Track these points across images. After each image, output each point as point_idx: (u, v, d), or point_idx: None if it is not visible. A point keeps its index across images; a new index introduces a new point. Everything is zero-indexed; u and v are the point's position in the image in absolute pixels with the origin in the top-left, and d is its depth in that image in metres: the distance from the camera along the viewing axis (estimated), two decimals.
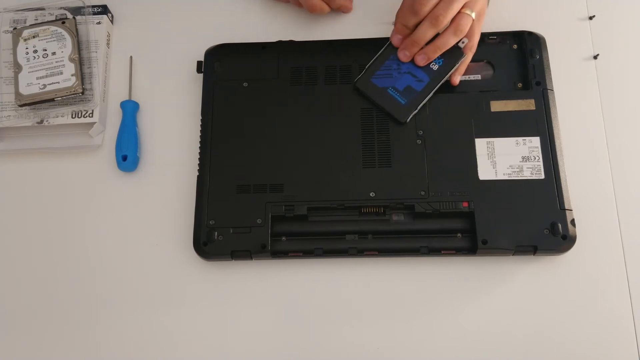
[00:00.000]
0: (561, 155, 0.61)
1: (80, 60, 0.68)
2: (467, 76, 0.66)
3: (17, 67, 0.68)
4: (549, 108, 0.63)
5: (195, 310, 0.62)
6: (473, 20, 0.61)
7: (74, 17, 0.70)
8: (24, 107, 0.67)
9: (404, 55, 0.63)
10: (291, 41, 0.68)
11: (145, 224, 0.65)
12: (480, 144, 0.62)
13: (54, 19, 0.70)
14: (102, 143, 0.68)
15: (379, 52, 0.65)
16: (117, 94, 0.70)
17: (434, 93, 0.63)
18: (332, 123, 0.64)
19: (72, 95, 0.67)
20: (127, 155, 0.66)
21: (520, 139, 0.62)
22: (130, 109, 0.68)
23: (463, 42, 0.63)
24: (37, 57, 0.68)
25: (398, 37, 0.63)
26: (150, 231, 0.65)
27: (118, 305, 0.62)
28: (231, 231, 0.61)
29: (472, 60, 0.65)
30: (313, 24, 0.72)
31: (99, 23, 0.71)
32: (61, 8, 0.71)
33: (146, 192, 0.66)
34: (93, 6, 0.72)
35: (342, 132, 0.64)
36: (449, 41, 0.61)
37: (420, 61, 0.63)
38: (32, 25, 0.70)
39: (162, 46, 0.72)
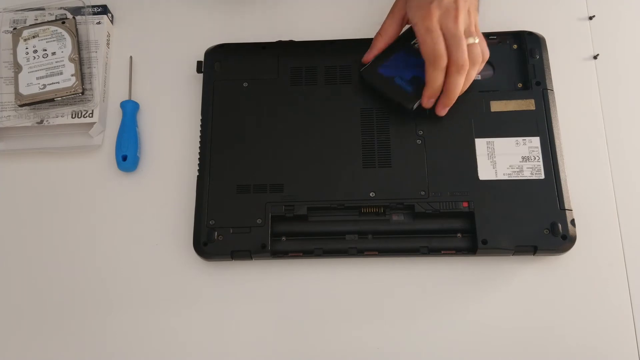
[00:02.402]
0: (561, 155, 0.61)
1: (80, 60, 0.68)
2: None
3: (17, 67, 0.68)
4: (549, 108, 0.63)
5: (195, 310, 0.62)
6: (477, 42, 0.59)
7: (74, 17, 0.70)
8: (24, 107, 0.67)
9: (442, 109, 0.62)
10: (291, 41, 0.68)
11: (145, 224, 0.65)
12: (480, 144, 0.62)
13: (54, 19, 0.70)
14: (102, 143, 0.68)
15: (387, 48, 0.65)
16: (117, 94, 0.70)
17: None
18: (332, 123, 0.64)
19: (72, 95, 0.67)
20: (127, 155, 0.66)
21: (520, 139, 0.62)
22: (130, 109, 0.68)
23: None
24: (37, 57, 0.68)
25: (431, 100, 0.61)
26: (151, 231, 0.65)
27: (118, 305, 0.62)
28: (231, 231, 0.61)
29: None
30: (313, 24, 0.72)
31: (99, 23, 0.71)
32: (61, 8, 0.71)
33: (146, 192, 0.66)
34: (93, 6, 0.72)
35: (342, 132, 0.64)
36: (472, 76, 0.60)
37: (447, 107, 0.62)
38: (32, 25, 0.70)
39: (162, 46, 0.72)
